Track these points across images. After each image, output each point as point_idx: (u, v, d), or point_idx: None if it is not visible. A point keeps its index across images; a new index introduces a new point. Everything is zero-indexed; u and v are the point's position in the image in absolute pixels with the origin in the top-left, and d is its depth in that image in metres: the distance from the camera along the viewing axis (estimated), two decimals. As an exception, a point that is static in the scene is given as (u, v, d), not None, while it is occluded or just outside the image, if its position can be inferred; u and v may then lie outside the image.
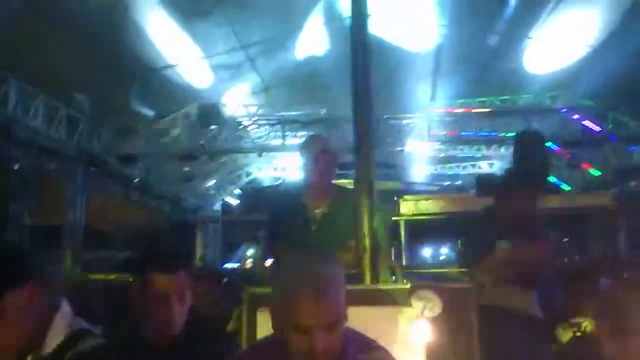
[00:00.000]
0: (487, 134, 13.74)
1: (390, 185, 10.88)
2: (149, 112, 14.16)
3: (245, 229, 11.21)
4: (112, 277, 5.53)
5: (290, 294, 1.64)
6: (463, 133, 14.01)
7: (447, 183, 16.08)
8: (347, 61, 2.84)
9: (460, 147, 16.96)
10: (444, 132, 14.18)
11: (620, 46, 10.95)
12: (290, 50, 14.60)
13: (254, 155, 15.49)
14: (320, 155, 3.33)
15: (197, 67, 13.57)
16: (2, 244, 2.26)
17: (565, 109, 13.77)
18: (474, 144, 15.87)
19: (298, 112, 15.48)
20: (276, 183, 18.95)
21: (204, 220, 16.67)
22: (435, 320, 2.35)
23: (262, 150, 14.69)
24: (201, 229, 16.08)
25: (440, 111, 14.64)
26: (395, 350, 1.94)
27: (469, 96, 15.08)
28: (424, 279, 3.96)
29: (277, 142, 14.95)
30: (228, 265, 16.33)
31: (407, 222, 6.73)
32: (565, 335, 3.42)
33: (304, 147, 3.69)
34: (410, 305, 2.34)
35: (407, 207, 6.83)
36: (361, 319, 1.94)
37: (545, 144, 8.83)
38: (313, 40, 14.23)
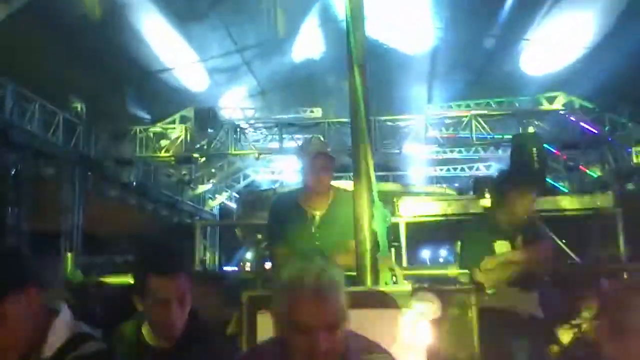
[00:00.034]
0: (484, 136, 13.74)
1: (390, 187, 10.89)
2: (145, 116, 14.15)
3: (243, 232, 11.18)
4: (111, 280, 5.51)
5: (290, 294, 1.65)
6: (460, 135, 14.01)
7: (446, 186, 16.09)
8: (343, 64, 2.84)
9: (458, 149, 17.02)
10: (441, 135, 14.19)
11: (615, 48, 10.98)
12: (287, 53, 14.63)
13: (251, 158, 15.47)
14: (318, 157, 3.32)
15: (193, 71, 13.56)
16: (1, 248, 2.25)
17: (562, 111, 13.79)
18: (471, 146, 15.90)
19: (295, 115, 15.48)
20: (274, 186, 18.95)
21: (202, 223, 16.63)
22: (435, 322, 2.35)
23: (259, 153, 14.67)
24: (199, 232, 16.06)
25: (437, 114, 14.67)
26: (396, 352, 1.94)
27: (466, 98, 15.11)
28: (424, 281, 3.95)
29: (275, 145, 14.94)
30: (227, 268, 16.35)
31: (406, 223, 6.72)
32: (565, 336, 3.43)
33: (301, 150, 3.68)
34: (411, 307, 2.34)
35: (407, 208, 6.82)
36: (362, 321, 1.94)
37: (543, 146, 8.86)
38: (309, 43, 14.26)
